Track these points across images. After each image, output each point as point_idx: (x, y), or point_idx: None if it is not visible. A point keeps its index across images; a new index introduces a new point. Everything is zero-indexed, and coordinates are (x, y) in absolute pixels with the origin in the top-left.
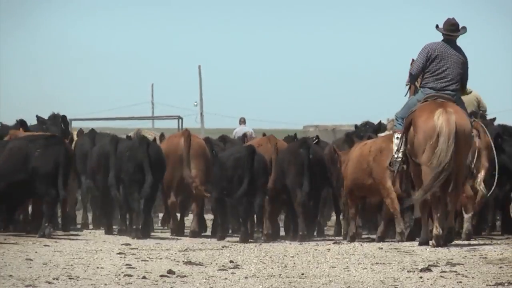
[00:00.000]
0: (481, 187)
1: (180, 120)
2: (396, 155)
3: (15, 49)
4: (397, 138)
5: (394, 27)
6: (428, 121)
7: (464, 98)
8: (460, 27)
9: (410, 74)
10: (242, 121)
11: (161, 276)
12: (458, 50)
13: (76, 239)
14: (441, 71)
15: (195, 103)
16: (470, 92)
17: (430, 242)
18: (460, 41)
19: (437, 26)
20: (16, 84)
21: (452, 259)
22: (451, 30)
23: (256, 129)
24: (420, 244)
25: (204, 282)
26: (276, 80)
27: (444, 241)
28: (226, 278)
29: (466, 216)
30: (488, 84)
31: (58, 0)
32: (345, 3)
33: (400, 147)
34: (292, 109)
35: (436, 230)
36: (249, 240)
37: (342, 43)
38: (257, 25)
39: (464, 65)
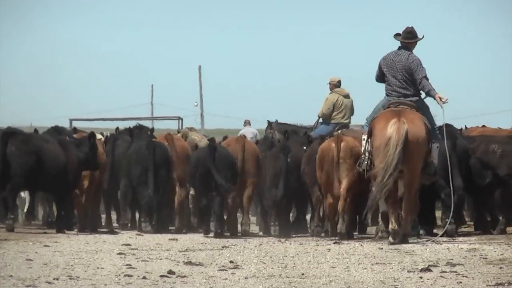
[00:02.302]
0: None
1: (180, 121)
2: (363, 156)
3: (15, 50)
4: (364, 139)
5: (394, 27)
6: (383, 130)
7: (346, 100)
8: (417, 34)
9: (376, 80)
10: (247, 123)
11: (161, 276)
12: (411, 57)
13: (76, 239)
14: (392, 82)
15: (195, 104)
16: (349, 96)
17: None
18: (461, 41)
19: (397, 34)
20: (16, 85)
21: (452, 259)
22: (407, 37)
23: (257, 129)
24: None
25: (204, 282)
26: (276, 80)
27: (400, 243)
28: (226, 278)
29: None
30: (488, 84)
31: (57, 0)
32: (346, 4)
33: (367, 148)
34: (293, 109)
35: (392, 225)
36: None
37: (342, 43)
38: (257, 25)
39: (414, 69)
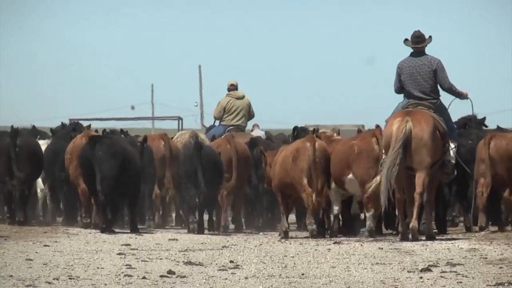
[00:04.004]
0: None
1: (180, 121)
2: (384, 157)
3: (15, 49)
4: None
5: (395, 28)
6: (388, 128)
7: (239, 102)
8: (426, 37)
9: (395, 91)
10: (256, 126)
11: (161, 276)
12: (425, 59)
13: (77, 239)
14: (412, 86)
15: (195, 104)
16: (243, 97)
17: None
18: (461, 41)
19: (406, 40)
20: (16, 84)
21: (452, 259)
22: (416, 42)
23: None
24: (401, 239)
25: (204, 282)
26: (276, 80)
27: (412, 240)
28: (226, 278)
29: (367, 214)
30: (488, 84)
31: (57, 0)
32: (346, 4)
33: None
34: (292, 109)
35: (413, 224)
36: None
37: (342, 43)
38: (257, 25)
39: (433, 71)
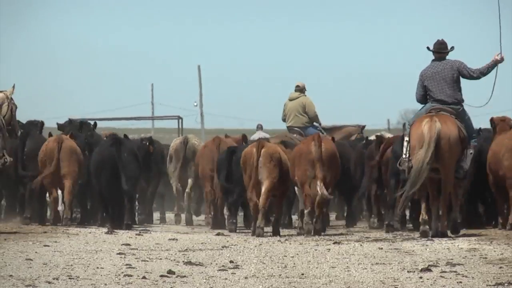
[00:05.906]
0: (320, 191)
1: (180, 120)
2: (404, 156)
3: (14, 49)
4: (406, 141)
5: (395, 28)
6: (418, 129)
7: (289, 103)
8: (448, 46)
9: (416, 100)
10: (260, 127)
11: (161, 276)
12: (447, 64)
13: (76, 239)
14: (434, 91)
15: (195, 103)
16: (295, 98)
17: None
18: (460, 42)
19: (428, 48)
20: (16, 84)
21: (452, 259)
22: (440, 48)
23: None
24: (433, 236)
25: (204, 282)
26: (275, 80)
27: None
28: (226, 278)
29: (305, 211)
30: (488, 84)
31: (58, 0)
32: (347, 5)
33: (408, 149)
34: None
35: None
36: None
37: (342, 43)
38: (257, 25)
39: (457, 73)
